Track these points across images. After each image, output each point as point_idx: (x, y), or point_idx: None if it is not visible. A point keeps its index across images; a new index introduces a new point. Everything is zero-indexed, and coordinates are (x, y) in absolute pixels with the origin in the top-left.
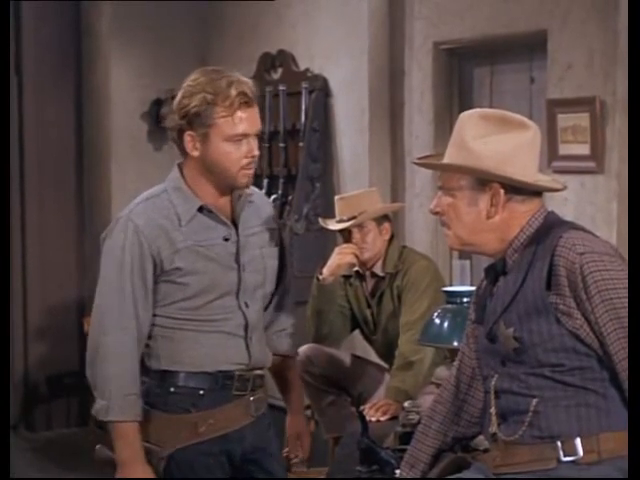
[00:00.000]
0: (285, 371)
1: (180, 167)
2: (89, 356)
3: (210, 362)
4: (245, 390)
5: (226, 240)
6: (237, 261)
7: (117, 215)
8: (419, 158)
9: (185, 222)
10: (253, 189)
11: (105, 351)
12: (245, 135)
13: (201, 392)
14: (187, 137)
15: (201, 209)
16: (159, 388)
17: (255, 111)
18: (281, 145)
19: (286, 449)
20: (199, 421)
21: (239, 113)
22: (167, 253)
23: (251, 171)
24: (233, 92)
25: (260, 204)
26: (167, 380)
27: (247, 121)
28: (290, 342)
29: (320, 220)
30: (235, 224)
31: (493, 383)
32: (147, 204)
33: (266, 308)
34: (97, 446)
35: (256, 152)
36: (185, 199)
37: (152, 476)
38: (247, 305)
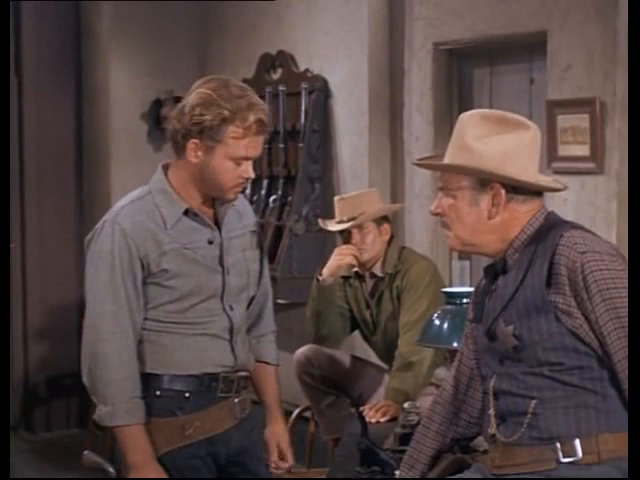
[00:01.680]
0: (264, 379)
1: (164, 169)
2: (86, 362)
3: (196, 364)
4: (230, 392)
5: (210, 243)
6: (221, 264)
7: (102, 218)
8: (419, 159)
9: (170, 225)
10: None
11: (104, 357)
12: (247, 158)
13: (187, 395)
14: (191, 144)
15: (186, 212)
16: (144, 392)
17: (262, 138)
18: (281, 146)
19: (272, 461)
20: (186, 424)
21: (251, 139)
22: (154, 255)
23: (241, 188)
24: (252, 117)
25: (242, 208)
26: (152, 384)
27: (254, 147)
28: (273, 350)
29: (320, 221)
30: (218, 227)
31: (492, 384)
32: (132, 207)
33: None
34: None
35: (252, 175)
36: (170, 202)
37: (165, 477)
38: (232, 308)
